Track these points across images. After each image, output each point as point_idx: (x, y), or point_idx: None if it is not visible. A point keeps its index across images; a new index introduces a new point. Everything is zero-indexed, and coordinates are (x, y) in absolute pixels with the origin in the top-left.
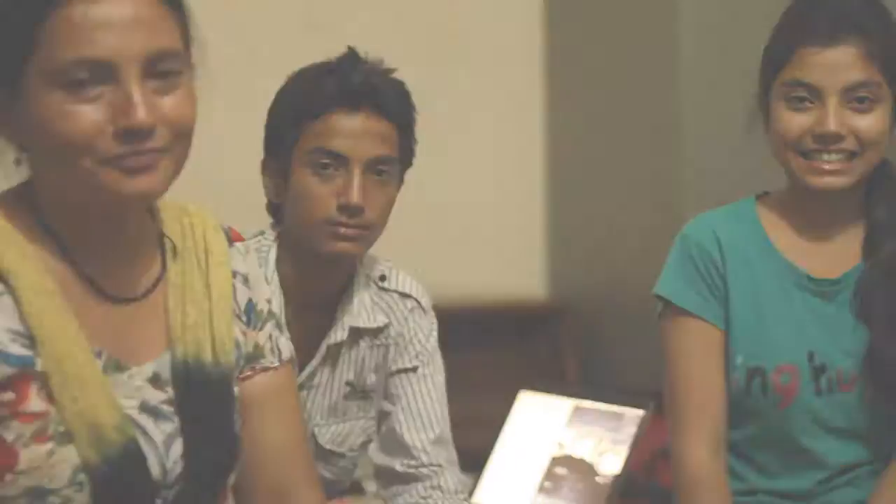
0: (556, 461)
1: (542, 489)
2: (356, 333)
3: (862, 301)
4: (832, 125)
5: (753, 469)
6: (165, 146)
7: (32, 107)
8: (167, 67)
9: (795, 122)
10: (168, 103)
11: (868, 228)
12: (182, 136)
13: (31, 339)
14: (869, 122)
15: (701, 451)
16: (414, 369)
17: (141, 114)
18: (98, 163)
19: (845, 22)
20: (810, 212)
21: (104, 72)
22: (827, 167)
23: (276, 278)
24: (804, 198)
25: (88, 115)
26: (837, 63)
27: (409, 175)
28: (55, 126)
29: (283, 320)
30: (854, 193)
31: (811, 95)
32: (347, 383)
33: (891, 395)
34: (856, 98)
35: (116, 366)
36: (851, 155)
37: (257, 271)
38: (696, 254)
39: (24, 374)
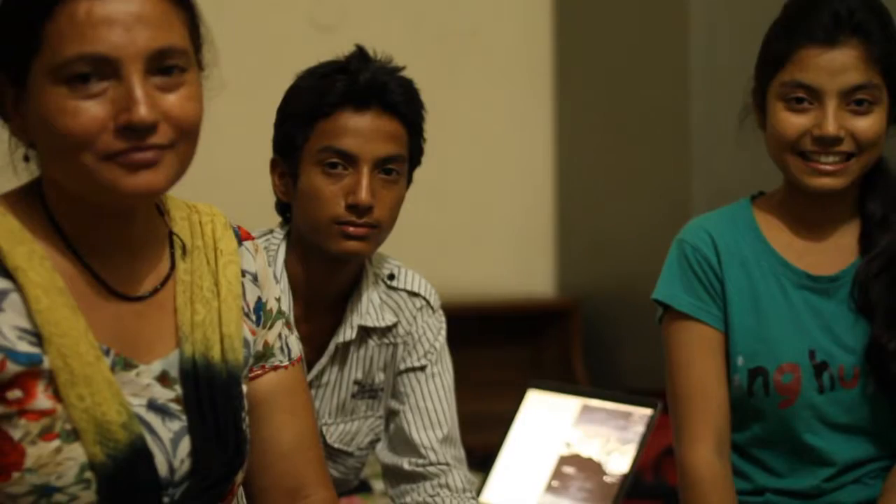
0: (563, 460)
1: (549, 488)
2: (365, 332)
3: (860, 295)
4: (831, 128)
5: (760, 469)
6: (168, 143)
7: (38, 103)
8: (171, 64)
9: (794, 123)
10: (171, 100)
11: (863, 223)
12: (186, 134)
13: (38, 337)
14: (867, 124)
15: (705, 453)
16: (422, 368)
17: (142, 110)
18: (98, 159)
19: (846, 24)
20: (806, 210)
21: (107, 68)
22: (824, 168)
23: (284, 277)
24: (800, 197)
25: (91, 110)
26: (837, 65)
27: (418, 174)
28: (58, 121)
29: (292, 319)
30: (849, 191)
31: (810, 96)
32: (356, 382)
33: (893, 389)
34: (854, 100)
35: (124, 364)
36: (849, 156)
37: (266, 270)
38: (692, 257)
39: (32, 372)
